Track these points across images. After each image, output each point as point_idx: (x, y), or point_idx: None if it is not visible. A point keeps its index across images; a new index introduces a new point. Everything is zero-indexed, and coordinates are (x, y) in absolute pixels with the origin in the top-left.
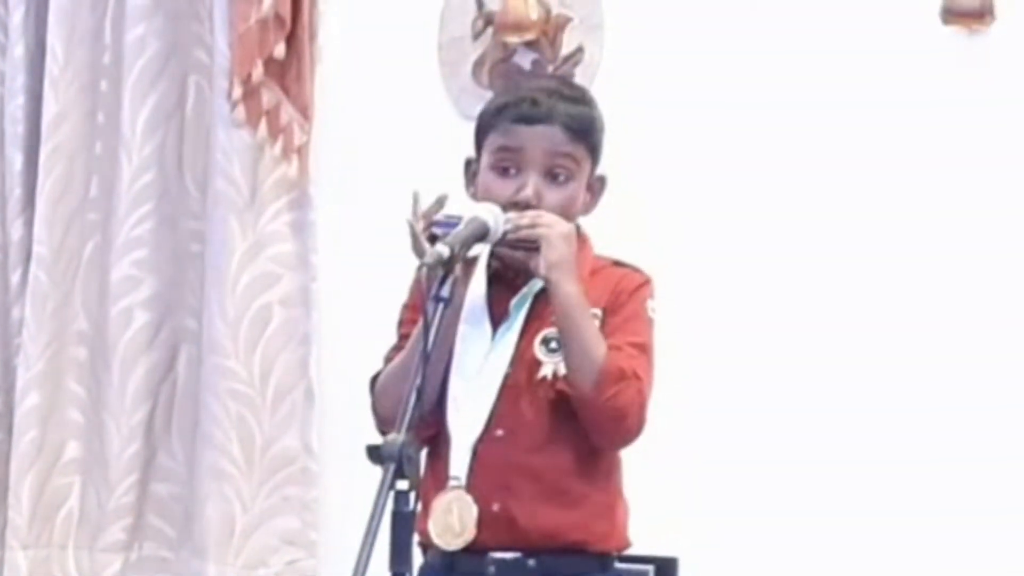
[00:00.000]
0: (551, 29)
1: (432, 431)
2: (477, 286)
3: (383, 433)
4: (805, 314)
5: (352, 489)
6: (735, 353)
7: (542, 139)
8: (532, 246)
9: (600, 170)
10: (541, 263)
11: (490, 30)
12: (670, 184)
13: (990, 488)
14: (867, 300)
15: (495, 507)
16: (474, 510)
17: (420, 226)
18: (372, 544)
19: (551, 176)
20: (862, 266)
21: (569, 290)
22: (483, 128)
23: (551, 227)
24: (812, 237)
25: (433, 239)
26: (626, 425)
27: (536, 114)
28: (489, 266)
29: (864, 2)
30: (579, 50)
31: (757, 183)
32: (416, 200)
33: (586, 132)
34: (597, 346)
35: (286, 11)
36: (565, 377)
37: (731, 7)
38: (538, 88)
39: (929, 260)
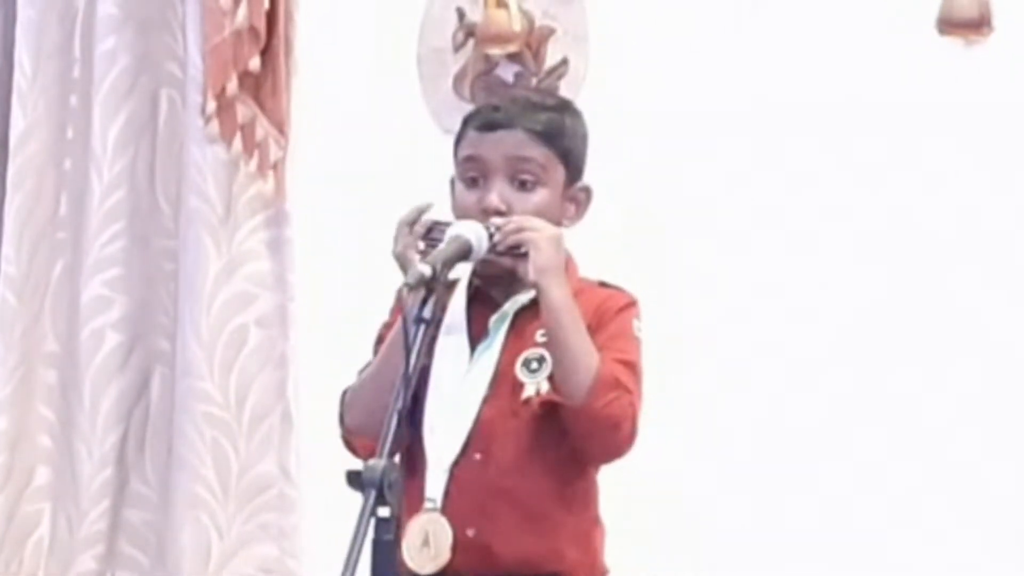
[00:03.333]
0: (535, 41)
1: (401, 445)
2: (457, 303)
3: (348, 444)
4: (795, 331)
5: (332, 516)
6: (715, 374)
7: (503, 144)
8: (520, 252)
9: (584, 181)
10: (530, 268)
11: (471, 42)
12: (656, 197)
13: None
14: (864, 314)
15: (470, 532)
16: (449, 533)
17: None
18: (353, 573)
19: (518, 183)
20: (858, 277)
21: (559, 295)
22: (456, 142)
23: (539, 231)
24: (805, 250)
25: (432, 245)
26: (620, 435)
27: (497, 120)
28: (470, 284)
29: (860, 12)
30: (564, 62)
31: (747, 195)
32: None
33: (552, 136)
34: (590, 353)
35: (261, 23)
36: (555, 387)
37: (721, 17)
38: (507, 96)
39: (927, 269)
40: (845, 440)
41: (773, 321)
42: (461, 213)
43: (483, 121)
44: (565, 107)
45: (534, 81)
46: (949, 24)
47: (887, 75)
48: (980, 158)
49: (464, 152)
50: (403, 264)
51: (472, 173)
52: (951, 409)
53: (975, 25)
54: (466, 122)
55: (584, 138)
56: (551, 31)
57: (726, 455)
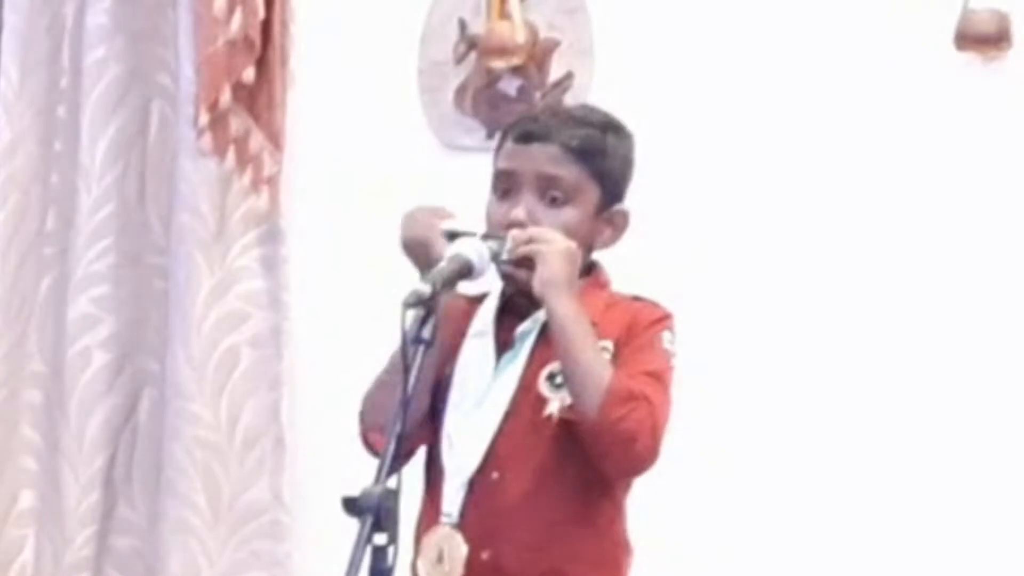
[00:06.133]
0: (539, 53)
1: (416, 444)
2: (487, 311)
3: (366, 442)
4: (818, 348)
5: (326, 544)
6: (737, 398)
7: (536, 158)
8: (530, 265)
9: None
10: (535, 281)
11: (473, 54)
12: (664, 211)
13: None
14: (886, 334)
15: (484, 555)
16: (464, 550)
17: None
18: None
19: (548, 199)
20: (876, 296)
21: (563, 308)
22: (496, 151)
23: (549, 243)
24: (816, 268)
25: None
26: (636, 449)
27: (533, 132)
28: (503, 292)
29: (875, 28)
30: (568, 75)
31: (757, 210)
32: None
33: (588, 154)
34: (601, 367)
35: (256, 33)
36: (570, 405)
37: (729, 31)
38: (549, 108)
39: (945, 287)
40: (859, 447)
41: (782, 330)
42: (488, 224)
43: (520, 132)
44: (608, 126)
45: (538, 95)
46: (967, 40)
47: (904, 91)
48: (998, 175)
49: (499, 164)
50: (424, 247)
51: (504, 185)
52: (960, 416)
53: (993, 41)
54: (506, 132)
55: (626, 159)
56: (555, 44)
57: (743, 464)
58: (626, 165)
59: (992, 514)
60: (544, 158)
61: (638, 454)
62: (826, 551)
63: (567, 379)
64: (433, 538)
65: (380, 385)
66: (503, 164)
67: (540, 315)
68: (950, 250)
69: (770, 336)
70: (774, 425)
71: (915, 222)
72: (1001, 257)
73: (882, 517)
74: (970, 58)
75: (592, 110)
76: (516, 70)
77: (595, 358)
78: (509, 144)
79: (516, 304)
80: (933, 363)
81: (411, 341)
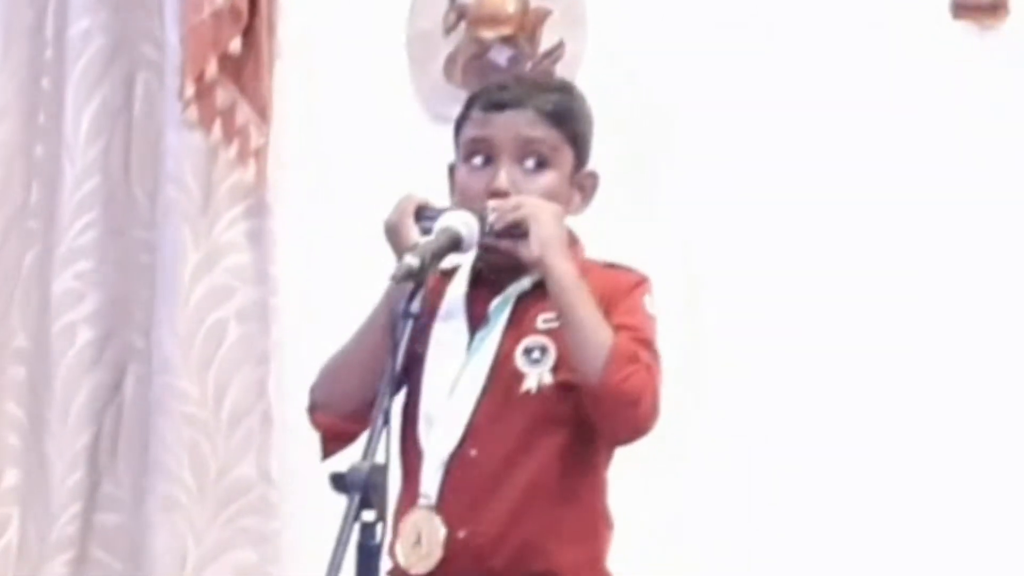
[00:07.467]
0: (529, 23)
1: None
2: (456, 290)
3: (311, 417)
4: (816, 325)
5: (314, 520)
6: (729, 369)
7: (513, 124)
8: (520, 232)
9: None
10: (532, 243)
11: (463, 24)
12: (655, 184)
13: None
14: (880, 303)
15: (462, 533)
16: (441, 532)
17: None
18: None
19: (527, 164)
20: (868, 267)
21: (565, 268)
22: (458, 124)
23: (538, 207)
24: (812, 239)
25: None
26: (641, 411)
27: (506, 99)
28: (473, 267)
29: None
30: (560, 45)
31: (749, 183)
32: None
33: (562, 118)
34: (603, 327)
35: (242, 3)
36: (570, 366)
37: (722, 1)
38: (512, 77)
39: (940, 261)
40: (853, 441)
41: (791, 314)
42: (465, 197)
43: (490, 100)
44: (571, 90)
45: (529, 65)
46: (964, 8)
47: (901, 60)
48: (995, 144)
49: (469, 133)
50: (395, 234)
51: (478, 154)
52: (957, 410)
53: (990, 9)
54: (470, 102)
55: (590, 123)
56: (547, 13)
57: (728, 450)
58: (590, 128)
59: (994, 516)
60: (522, 122)
61: (642, 416)
62: (825, 549)
63: (569, 340)
64: (410, 520)
65: (340, 362)
66: (476, 132)
67: (512, 290)
68: (948, 220)
69: (760, 314)
70: (771, 419)
71: (911, 191)
72: (1000, 227)
73: (877, 510)
74: (967, 26)
75: (551, 76)
76: (506, 40)
77: (596, 318)
78: (478, 113)
79: (487, 279)
80: (931, 330)
81: (400, 315)
